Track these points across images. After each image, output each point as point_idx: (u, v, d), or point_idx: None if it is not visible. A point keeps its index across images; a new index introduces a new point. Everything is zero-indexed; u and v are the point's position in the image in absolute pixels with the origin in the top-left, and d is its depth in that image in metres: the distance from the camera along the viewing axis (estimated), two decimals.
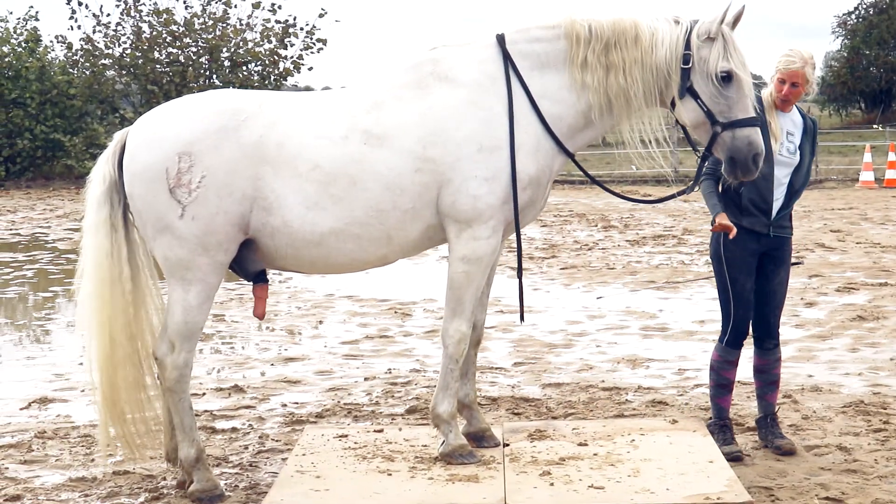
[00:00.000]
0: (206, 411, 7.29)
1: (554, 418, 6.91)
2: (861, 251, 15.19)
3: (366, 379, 8.28)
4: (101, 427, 5.53)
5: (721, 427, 6.06)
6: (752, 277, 6.06)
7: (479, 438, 5.69)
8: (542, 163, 5.36)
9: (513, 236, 5.59)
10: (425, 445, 5.68)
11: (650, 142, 5.51)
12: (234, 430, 6.91)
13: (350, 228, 5.24)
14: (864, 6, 49.73)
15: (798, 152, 6.00)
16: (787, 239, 6.10)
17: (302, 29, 34.64)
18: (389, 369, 8.60)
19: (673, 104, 5.35)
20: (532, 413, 7.18)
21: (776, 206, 5.98)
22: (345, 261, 5.38)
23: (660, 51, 5.29)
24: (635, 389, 7.77)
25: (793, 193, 6.06)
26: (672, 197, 5.85)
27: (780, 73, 5.89)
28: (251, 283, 5.62)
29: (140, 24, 33.59)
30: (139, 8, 33.60)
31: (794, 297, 11.58)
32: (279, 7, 34.35)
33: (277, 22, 34.41)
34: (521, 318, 5.74)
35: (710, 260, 6.26)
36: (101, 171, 5.43)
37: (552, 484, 5.04)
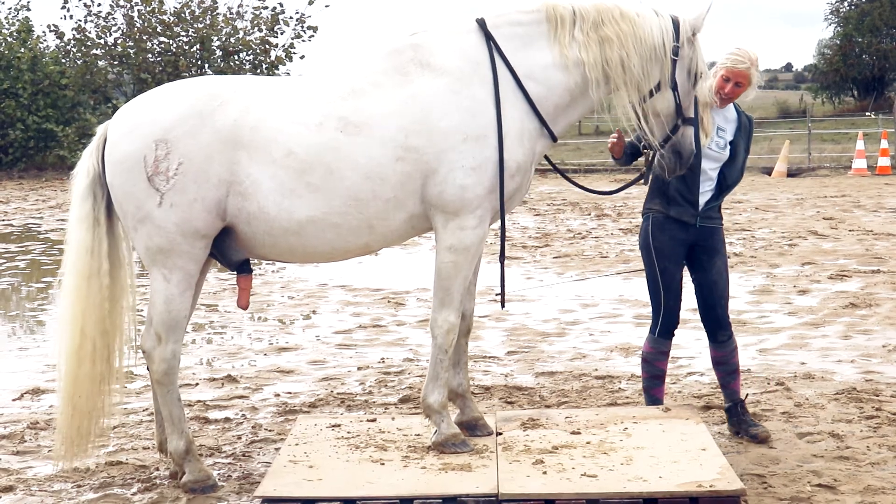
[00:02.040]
0: (199, 401, 7.29)
1: (547, 407, 6.91)
2: (854, 238, 15.21)
3: (359, 368, 8.28)
4: (59, 419, 5.50)
5: None
6: (681, 267, 6.12)
7: (472, 427, 5.69)
8: (527, 146, 5.35)
9: (498, 223, 5.58)
10: (418, 435, 5.68)
11: (641, 114, 5.47)
12: (227, 420, 6.90)
13: (329, 217, 5.20)
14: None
15: (728, 147, 6.04)
16: (717, 229, 6.13)
17: (292, 17, 34.59)
18: (382, 359, 8.60)
19: (653, 91, 5.40)
20: (525, 402, 7.19)
21: (703, 198, 6.04)
22: (325, 249, 5.34)
23: (652, 31, 5.35)
24: (628, 378, 7.77)
25: (724, 188, 6.10)
26: (627, 186, 6.03)
27: (727, 70, 5.96)
28: (235, 273, 5.60)
29: (131, 13, 33.49)
30: None
31: (787, 284, 11.60)
32: None
33: (265, 9, 34.34)
34: (502, 305, 5.73)
35: (639, 250, 6.30)
36: (84, 164, 5.42)
37: (545, 472, 5.04)
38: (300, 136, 5.17)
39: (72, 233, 5.42)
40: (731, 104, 6.10)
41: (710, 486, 4.82)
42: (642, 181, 5.93)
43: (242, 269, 5.55)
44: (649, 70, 5.37)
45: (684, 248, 6.10)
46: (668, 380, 7.68)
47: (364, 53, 5.55)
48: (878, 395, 7.07)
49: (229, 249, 5.41)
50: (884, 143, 26.91)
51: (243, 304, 5.63)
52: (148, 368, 5.47)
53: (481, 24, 5.40)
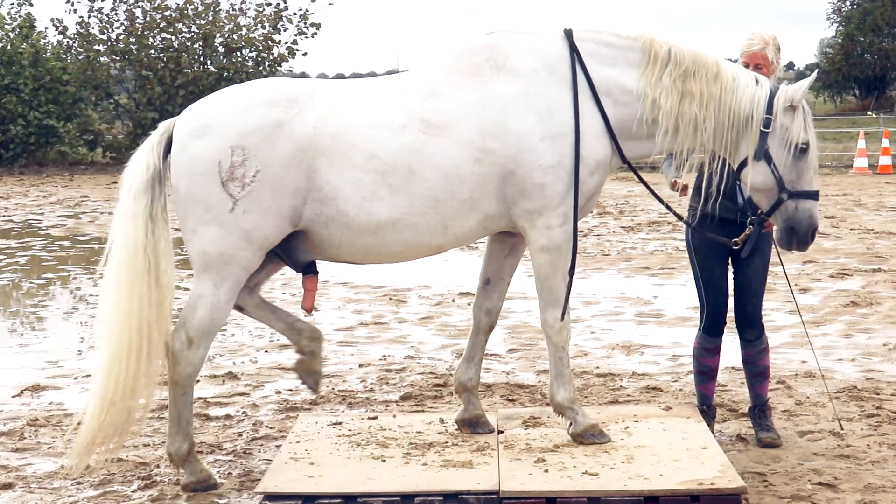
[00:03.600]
0: (200, 398, 7.28)
1: (548, 405, 6.90)
2: (855, 237, 15.21)
3: (360, 366, 8.28)
4: (91, 417, 5.33)
5: (702, 413, 6.05)
6: (723, 265, 6.07)
7: (474, 424, 5.69)
8: (606, 145, 5.32)
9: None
10: (420, 432, 5.68)
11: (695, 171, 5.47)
12: (227, 417, 6.90)
13: (407, 218, 5.18)
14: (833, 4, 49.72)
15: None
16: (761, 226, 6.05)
17: (295, 13, 34.57)
18: (384, 356, 8.60)
19: (743, 164, 5.31)
20: (527, 399, 7.19)
21: (744, 193, 5.91)
22: (400, 249, 5.32)
23: (741, 101, 5.26)
24: (630, 376, 7.77)
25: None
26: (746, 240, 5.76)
27: (742, 56, 5.91)
28: (301, 274, 5.54)
29: (133, 9, 33.48)
30: None
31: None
32: None
33: (268, 5, 34.34)
34: (562, 318, 5.54)
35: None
36: (143, 159, 5.31)
37: (546, 470, 5.04)
38: (383, 139, 5.13)
39: (123, 229, 5.27)
40: None
41: (711, 484, 4.83)
42: (735, 246, 5.71)
43: (308, 270, 5.51)
44: (729, 138, 5.28)
45: (725, 245, 6.05)
46: (668, 378, 7.69)
47: (438, 52, 5.49)
48: (878, 394, 7.07)
49: (297, 251, 5.36)
50: (885, 142, 26.89)
51: (308, 307, 5.59)
52: (169, 369, 5.34)
53: (568, 34, 5.37)
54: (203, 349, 5.30)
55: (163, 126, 5.39)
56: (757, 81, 5.32)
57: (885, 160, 26.64)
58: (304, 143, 5.10)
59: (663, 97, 5.27)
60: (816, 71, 5.40)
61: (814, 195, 5.31)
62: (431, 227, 5.23)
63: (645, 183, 5.68)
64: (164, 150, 5.31)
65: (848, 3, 48.82)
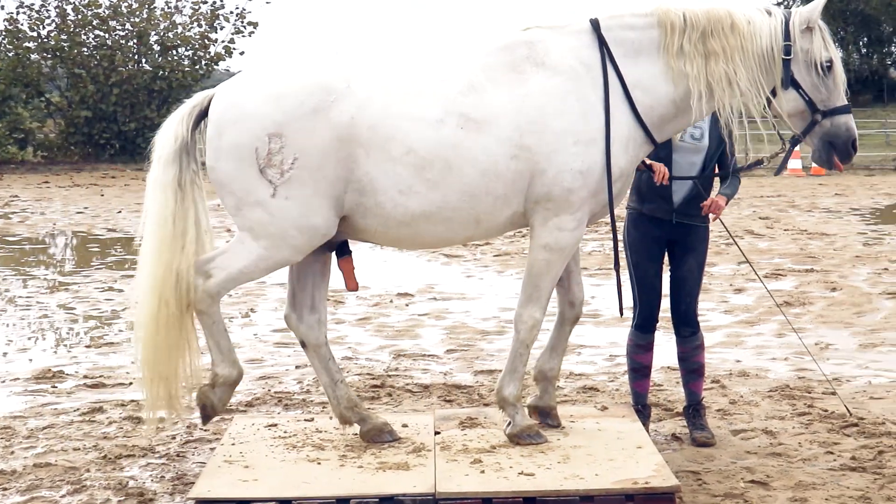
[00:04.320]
0: (132, 401, 7.18)
1: (486, 405, 6.90)
2: (788, 238, 15.43)
3: (297, 367, 8.22)
4: (144, 389, 5.36)
5: (637, 412, 6.08)
6: (657, 263, 6.13)
7: (546, 414, 5.70)
8: (631, 154, 5.35)
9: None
10: (356, 434, 5.64)
11: (746, 128, 5.49)
12: (160, 419, 6.78)
13: (442, 212, 5.19)
14: None
15: (705, 137, 6.01)
16: (696, 227, 6.08)
17: (232, 12, 34.32)
18: None
19: (773, 93, 5.34)
20: (464, 400, 7.18)
21: (680, 193, 5.99)
22: (431, 240, 5.38)
23: (761, 40, 5.28)
24: (567, 376, 7.79)
25: (722, 178, 6.09)
26: (750, 167, 5.93)
27: None
28: (335, 255, 5.51)
29: (65, 6, 32.99)
30: None
31: (723, 283, 11.73)
32: None
33: (204, 3, 34.05)
34: (621, 313, 5.65)
35: None
36: (173, 130, 5.28)
37: (483, 471, 5.03)
38: (420, 132, 5.11)
39: (154, 198, 5.25)
40: None
41: (646, 483, 4.85)
42: (774, 172, 5.80)
43: (341, 251, 5.50)
44: (760, 79, 5.31)
45: (660, 244, 6.10)
46: (605, 378, 7.73)
47: (474, 45, 5.44)
48: (810, 393, 7.16)
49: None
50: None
51: (353, 286, 5.60)
52: (192, 298, 5.27)
53: (595, 25, 5.36)
54: (221, 288, 5.23)
55: (197, 97, 5.36)
56: (769, 13, 5.35)
57: None
58: (342, 133, 5.07)
59: (688, 65, 5.30)
60: None
61: (846, 109, 5.36)
62: (465, 221, 5.25)
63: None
64: (195, 122, 5.29)
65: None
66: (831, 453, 5.88)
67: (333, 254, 5.56)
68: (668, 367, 7.83)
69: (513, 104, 5.19)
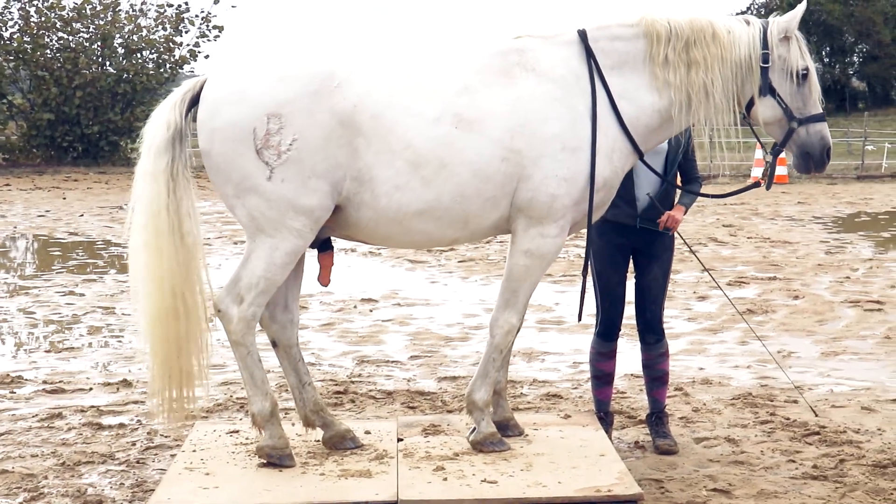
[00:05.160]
0: (92, 406, 7.11)
1: (449, 412, 6.89)
2: (752, 245, 15.53)
3: None
4: (153, 388, 5.24)
5: (599, 420, 6.08)
6: (621, 272, 6.15)
7: (504, 427, 5.67)
8: (615, 164, 5.38)
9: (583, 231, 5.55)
10: (317, 441, 5.60)
11: (720, 138, 5.55)
12: (121, 425, 6.74)
13: (434, 211, 5.18)
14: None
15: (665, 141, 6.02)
16: (660, 235, 6.10)
17: (197, 16, 34.16)
18: None
19: (751, 103, 5.41)
20: (427, 407, 7.15)
21: (644, 197, 6.00)
22: (419, 239, 5.34)
23: (739, 49, 5.34)
24: (530, 383, 7.79)
25: (686, 182, 6.11)
26: (745, 189, 5.95)
27: None
28: (315, 250, 5.44)
29: (28, 7, 32.70)
30: None
31: (687, 290, 11.78)
32: None
33: (170, 6, 33.87)
34: (579, 318, 5.62)
35: None
36: (164, 117, 5.15)
37: (445, 479, 5.01)
38: (419, 128, 5.10)
39: (144, 190, 5.12)
40: None
41: (609, 491, 4.85)
42: (764, 188, 5.83)
43: (324, 246, 5.44)
44: (737, 88, 5.39)
45: (623, 251, 6.11)
46: (569, 385, 7.73)
47: (466, 50, 5.44)
48: (772, 401, 7.20)
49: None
50: (781, 153, 27.51)
51: (326, 281, 5.54)
52: (225, 330, 5.21)
53: (582, 35, 5.40)
54: (255, 307, 5.15)
55: (188, 84, 5.26)
56: (748, 23, 5.43)
57: (781, 170, 27.24)
58: (343, 119, 5.04)
59: (671, 75, 5.36)
60: (805, 1, 5.47)
61: (821, 117, 5.44)
62: (454, 221, 5.25)
63: (661, 176, 5.84)
64: (188, 107, 5.19)
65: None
66: (793, 461, 5.91)
67: (315, 251, 5.51)
68: (632, 375, 7.85)
69: (504, 106, 5.22)
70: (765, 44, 5.35)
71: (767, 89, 5.38)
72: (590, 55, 5.36)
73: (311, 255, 5.47)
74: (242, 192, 5.06)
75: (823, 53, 53.66)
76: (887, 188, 27.01)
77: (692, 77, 5.35)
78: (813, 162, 5.47)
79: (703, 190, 6.26)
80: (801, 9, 5.41)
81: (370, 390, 7.60)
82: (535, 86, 5.28)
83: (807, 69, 5.37)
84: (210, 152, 5.09)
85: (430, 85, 5.23)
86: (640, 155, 5.49)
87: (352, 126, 5.05)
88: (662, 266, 6.15)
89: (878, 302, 10.97)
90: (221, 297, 5.18)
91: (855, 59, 54.65)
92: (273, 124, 5.00)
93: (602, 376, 6.27)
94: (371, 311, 10.79)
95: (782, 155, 5.65)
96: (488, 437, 5.43)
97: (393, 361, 8.55)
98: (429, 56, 5.51)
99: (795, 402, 7.10)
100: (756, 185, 5.86)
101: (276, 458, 5.21)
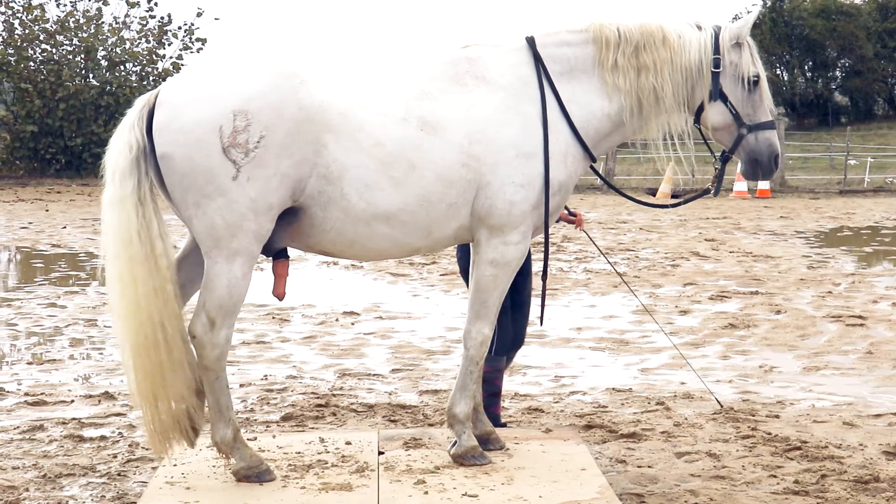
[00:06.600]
0: (73, 419, 7.08)
1: (431, 425, 6.89)
2: (734, 260, 15.58)
3: (241, 385, 8.14)
4: (144, 414, 5.16)
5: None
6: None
7: (485, 441, 5.65)
8: (570, 169, 5.41)
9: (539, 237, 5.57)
10: (299, 453, 5.59)
11: (674, 141, 5.59)
12: (102, 438, 6.71)
13: (401, 214, 5.16)
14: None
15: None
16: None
17: (180, 28, 34.16)
18: (265, 375, 8.48)
19: (701, 108, 5.46)
20: (409, 420, 7.15)
21: None
22: (384, 247, 5.27)
23: (689, 54, 5.39)
24: (512, 396, 7.79)
25: None
26: (692, 199, 6.01)
27: None
28: (271, 259, 5.38)
29: (12, 20, 32.64)
30: (10, 5, 32.67)
31: (669, 304, 11.80)
32: (156, 4, 33.83)
33: (152, 18, 33.86)
34: (541, 322, 5.69)
35: None
36: (124, 138, 4.99)
37: (426, 492, 5.01)
38: (387, 128, 5.10)
39: (113, 217, 4.98)
40: None
41: None
42: (711, 194, 5.86)
43: (279, 255, 5.38)
44: (687, 93, 5.43)
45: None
46: (550, 399, 7.74)
47: (419, 58, 5.48)
48: (754, 415, 7.22)
49: (276, 234, 5.15)
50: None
51: (280, 293, 5.46)
52: (197, 355, 5.12)
53: (531, 42, 5.43)
54: (227, 328, 5.08)
55: (142, 100, 5.10)
56: (700, 27, 5.47)
57: (763, 185, 27.39)
58: (312, 115, 5.00)
59: (621, 79, 5.40)
60: (757, 7, 5.58)
61: (771, 125, 5.49)
62: (419, 228, 5.24)
63: (608, 182, 5.91)
64: (147, 124, 5.02)
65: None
66: (774, 476, 5.92)
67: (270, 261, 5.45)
68: (613, 389, 7.87)
69: (460, 112, 5.25)
70: (716, 49, 5.41)
71: (718, 94, 5.42)
72: (538, 61, 5.40)
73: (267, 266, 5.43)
74: (204, 198, 4.93)
75: (806, 68, 53.93)
76: (870, 203, 27.15)
77: (642, 81, 5.40)
78: (761, 169, 5.52)
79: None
80: (753, 15, 5.51)
81: (352, 403, 7.59)
82: (487, 94, 5.32)
83: (758, 76, 5.43)
84: (173, 156, 4.93)
85: (391, 88, 5.25)
86: (593, 159, 5.54)
87: (321, 122, 5.01)
88: (530, 281, 6.26)
89: (860, 317, 11.01)
90: (194, 323, 5.09)
91: (838, 73, 54.95)
92: (240, 121, 4.90)
93: (498, 392, 6.31)
94: (353, 324, 10.78)
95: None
96: (469, 450, 5.44)
97: (374, 374, 8.55)
98: (385, 62, 5.55)
99: (777, 416, 7.13)
100: (706, 191, 5.88)
101: (254, 478, 5.18)
